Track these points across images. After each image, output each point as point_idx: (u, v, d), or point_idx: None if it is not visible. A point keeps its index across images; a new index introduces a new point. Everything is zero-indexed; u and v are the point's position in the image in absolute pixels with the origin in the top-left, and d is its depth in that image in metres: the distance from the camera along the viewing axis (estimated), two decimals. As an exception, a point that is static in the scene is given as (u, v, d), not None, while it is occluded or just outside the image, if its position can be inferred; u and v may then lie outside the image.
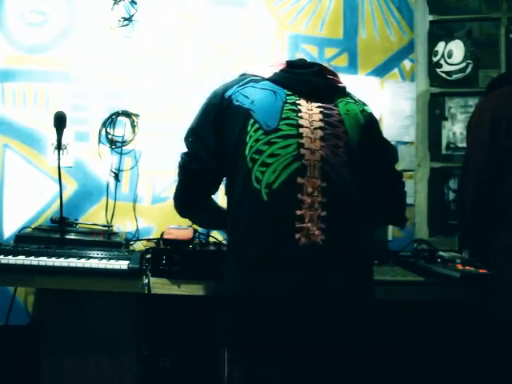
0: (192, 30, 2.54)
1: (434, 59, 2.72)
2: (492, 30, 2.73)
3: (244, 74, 1.52)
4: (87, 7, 2.47)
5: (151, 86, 2.49)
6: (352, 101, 1.50)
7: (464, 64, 2.71)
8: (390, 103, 2.64)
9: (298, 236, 1.27)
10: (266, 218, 1.30)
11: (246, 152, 1.35)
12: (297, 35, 2.62)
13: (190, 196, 1.55)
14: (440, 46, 2.73)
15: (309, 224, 1.28)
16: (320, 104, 1.41)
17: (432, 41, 2.71)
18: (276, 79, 1.44)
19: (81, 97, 2.45)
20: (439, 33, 2.74)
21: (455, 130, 2.73)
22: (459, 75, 2.72)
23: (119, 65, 2.48)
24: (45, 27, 2.44)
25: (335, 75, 1.53)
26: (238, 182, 1.37)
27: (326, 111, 1.40)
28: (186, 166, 1.49)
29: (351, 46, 2.65)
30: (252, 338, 1.30)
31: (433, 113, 2.72)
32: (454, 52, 2.72)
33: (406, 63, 2.68)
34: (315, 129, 1.36)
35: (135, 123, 2.47)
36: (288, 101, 1.39)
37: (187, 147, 1.50)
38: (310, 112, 1.38)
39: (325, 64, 1.55)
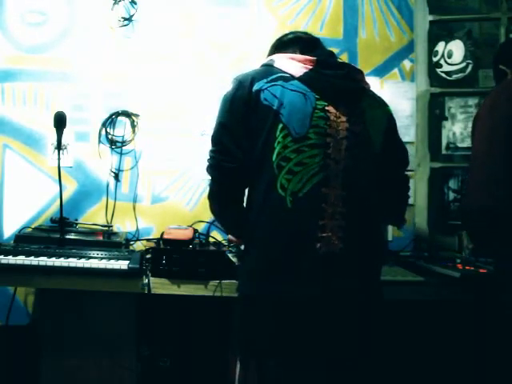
0: (192, 30, 2.53)
1: (434, 59, 2.72)
2: (492, 30, 2.73)
3: (271, 66, 1.45)
4: (87, 7, 2.46)
5: (151, 86, 2.49)
6: (376, 104, 1.49)
7: (464, 64, 2.71)
8: (390, 103, 2.59)
9: (319, 245, 1.29)
10: (288, 225, 1.31)
11: (274, 158, 1.33)
12: (297, 35, 2.61)
13: (226, 194, 1.46)
14: (440, 46, 2.73)
15: (330, 233, 1.30)
16: (347, 111, 1.39)
17: (432, 41, 2.71)
18: (306, 80, 1.39)
19: (81, 97, 2.44)
20: (439, 33, 2.73)
21: (455, 130, 2.73)
22: (459, 75, 2.72)
23: (119, 65, 2.47)
24: (45, 27, 2.44)
25: (362, 74, 1.50)
26: (261, 187, 1.35)
27: (352, 119, 1.39)
28: (221, 165, 1.39)
29: (351, 46, 2.65)
30: (267, 343, 1.30)
31: (433, 113, 2.72)
32: (454, 52, 2.71)
33: (406, 63, 2.68)
34: (341, 139, 1.36)
35: (135, 123, 2.47)
36: (318, 106, 1.37)
37: (217, 143, 1.41)
38: (337, 120, 1.37)
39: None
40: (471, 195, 1.55)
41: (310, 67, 1.41)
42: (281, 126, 1.34)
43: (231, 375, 1.45)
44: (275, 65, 1.44)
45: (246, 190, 1.48)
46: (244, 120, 1.38)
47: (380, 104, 1.51)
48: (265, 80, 1.39)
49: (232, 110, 1.40)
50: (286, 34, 1.59)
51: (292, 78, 1.40)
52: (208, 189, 1.50)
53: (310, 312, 1.28)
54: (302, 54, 1.47)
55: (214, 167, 1.42)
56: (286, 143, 1.33)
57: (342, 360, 1.32)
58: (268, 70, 1.44)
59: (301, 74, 1.40)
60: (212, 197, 1.49)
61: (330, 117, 1.37)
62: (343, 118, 1.38)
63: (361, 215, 1.35)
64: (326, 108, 1.38)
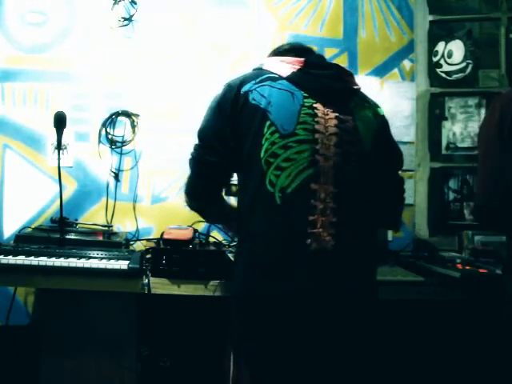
0: (192, 30, 2.53)
1: (434, 59, 2.72)
2: (492, 30, 2.73)
3: (260, 69, 1.48)
4: (87, 7, 2.47)
5: (151, 86, 2.49)
6: (367, 104, 1.49)
7: (464, 64, 2.71)
8: (390, 103, 2.64)
9: (309, 241, 1.28)
10: (278, 222, 1.31)
11: (261, 154, 1.34)
12: (297, 35, 2.62)
13: (203, 188, 1.50)
14: (440, 46, 2.73)
15: (320, 229, 1.29)
16: (336, 109, 1.40)
17: (432, 41, 2.71)
18: (294, 79, 1.41)
19: (81, 97, 2.45)
20: (439, 33, 2.74)
21: (455, 130, 2.73)
22: (459, 75, 2.72)
23: (119, 65, 2.48)
24: (45, 27, 2.44)
25: (352, 76, 1.51)
26: (250, 184, 1.36)
27: (341, 117, 1.39)
28: (201, 158, 1.44)
29: (351, 46, 2.65)
30: (259, 341, 1.30)
31: (433, 113, 2.72)
32: (454, 52, 2.72)
33: (406, 63, 2.68)
34: (330, 135, 1.36)
35: (135, 123, 2.47)
36: (305, 104, 1.38)
37: (201, 139, 1.46)
38: (325, 117, 1.38)
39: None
40: (477, 195, 1.58)
41: (298, 67, 1.43)
42: (268, 123, 1.35)
43: (225, 374, 1.45)
44: (264, 67, 1.47)
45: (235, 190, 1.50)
46: (230, 120, 1.40)
47: (370, 105, 1.51)
48: (253, 82, 1.42)
49: (219, 109, 1.43)
50: (283, 45, 1.63)
51: (280, 78, 1.42)
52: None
53: (301, 310, 1.27)
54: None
55: (196, 160, 1.46)
56: (274, 139, 1.34)
57: (334, 359, 1.32)
58: (258, 72, 1.47)
59: (288, 73, 1.42)
60: (189, 191, 1.51)
61: (317, 114, 1.38)
62: (332, 115, 1.39)
63: (353, 212, 1.34)
64: (314, 105, 1.39)
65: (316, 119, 1.37)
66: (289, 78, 1.41)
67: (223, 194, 1.58)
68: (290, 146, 1.33)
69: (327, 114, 1.38)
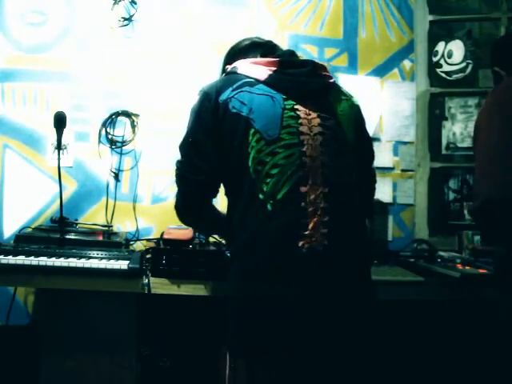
0: (192, 30, 2.53)
1: (434, 59, 2.72)
2: (492, 30, 2.74)
3: (235, 73, 1.45)
4: (87, 7, 2.46)
5: (151, 86, 2.49)
6: (343, 97, 1.49)
7: (464, 64, 2.71)
8: (390, 103, 2.64)
9: (301, 243, 1.28)
10: (271, 228, 1.30)
11: (249, 163, 1.33)
12: (297, 35, 2.62)
13: (192, 204, 1.49)
14: (440, 46, 2.73)
15: (312, 231, 1.28)
16: (316, 107, 1.40)
17: (432, 41, 2.71)
18: (272, 82, 1.40)
19: (81, 97, 2.44)
20: (439, 33, 2.74)
21: (455, 130, 2.73)
22: (459, 75, 2.72)
23: (119, 65, 2.48)
24: (45, 27, 2.44)
25: (326, 69, 1.51)
26: (241, 193, 1.35)
27: (323, 115, 1.39)
28: (187, 177, 1.43)
29: (351, 46, 2.65)
30: (258, 344, 1.30)
31: (433, 113, 2.72)
32: (454, 52, 2.72)
33: (406, 63, 2.68)
34: (315, 135, 1.36)
35: (135, 123, 2.47)
36: (286, 107, 1.37)
37: (184, 155, 1.44)
38: (308, 117, 1.37)
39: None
40: (484, 187, 1.53)
41: (274, 69, 1.41)
42: (252, 130, 1.34)
43: (221, 375, 1.45)
44: (239, 71, 1.44)
45: (225, 198, 1.48)
46: (212, 132, 1.38)
47: (347, 97, 1.51)
48: (230, 88, 1.39)
49: (199, 122, 1.41)
50: (242, 41, 1.62)
51: (257, 82, 1.40)
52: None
53: (296, 311, 1.27)
54: (264, 57, 1.48)
55: (179, 179, 1.45)
56: (260, 147, 1.33)
57: (333, 359, 1.31)
58: (232, 77, 1.44)
59: (265, 77, 1.40)
60: (178, 207, 1.50)
61: (300, 115, 1.37)
62: (314, 115, 1.38)
63: (344, 210, 1.34)
64: (295, 107, 1.37)
65: (299, 121, 1.36)
66: (266, 82, 1.39)
67: (213, 204, 1.55)
68: (277, 152, 1.32)
69: (309, 114, 1.38)
